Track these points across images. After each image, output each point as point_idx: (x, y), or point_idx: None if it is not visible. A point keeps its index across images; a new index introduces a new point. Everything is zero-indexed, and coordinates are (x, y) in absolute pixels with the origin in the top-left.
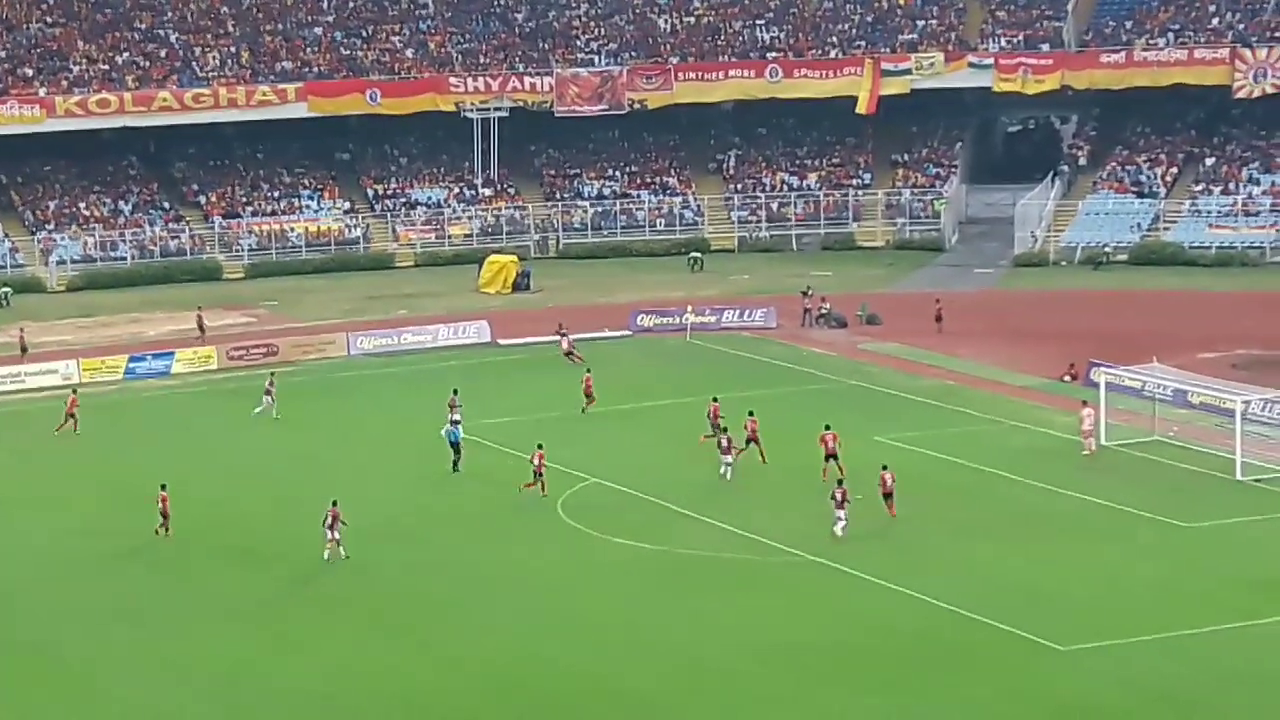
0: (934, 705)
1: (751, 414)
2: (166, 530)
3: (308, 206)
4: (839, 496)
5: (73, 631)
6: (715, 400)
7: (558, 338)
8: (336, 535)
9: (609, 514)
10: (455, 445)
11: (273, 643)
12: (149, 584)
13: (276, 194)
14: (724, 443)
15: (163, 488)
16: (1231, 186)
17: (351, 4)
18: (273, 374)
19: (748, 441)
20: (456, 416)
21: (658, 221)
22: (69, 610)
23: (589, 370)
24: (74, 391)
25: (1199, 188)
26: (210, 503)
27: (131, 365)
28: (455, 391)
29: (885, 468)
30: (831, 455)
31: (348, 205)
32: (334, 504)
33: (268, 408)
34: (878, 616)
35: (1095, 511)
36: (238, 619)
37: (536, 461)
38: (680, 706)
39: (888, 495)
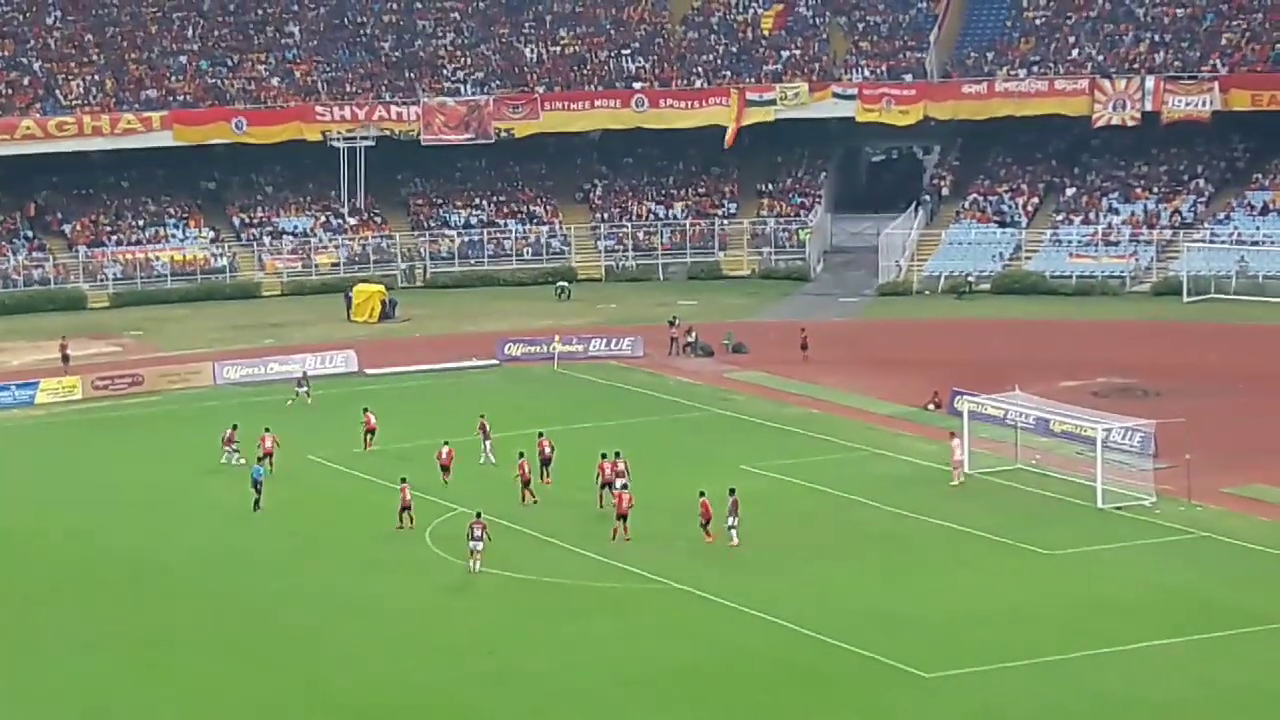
0: None
1: (605, 455)
2: (411, 522)
3: (173, 235)
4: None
5: None
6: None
7: None
8: (479, 548)
9: None
10: (256, 484)
11: (137, 673)
12: (9, 616)
13: (141, 223)
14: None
15: (403, 480)
16: (1092, 216)
17: (217, 32)
18: (479, 514)
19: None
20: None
21: (525, 251)
22: None
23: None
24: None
25: (1060, 217)
26: (74, 534)
27: None
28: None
29: (702, 493)
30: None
31: (213, 234)
32: (478, 515)
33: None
34: (739, 643)
35: (958, 539)
36: (102, 651)
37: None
38: None
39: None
